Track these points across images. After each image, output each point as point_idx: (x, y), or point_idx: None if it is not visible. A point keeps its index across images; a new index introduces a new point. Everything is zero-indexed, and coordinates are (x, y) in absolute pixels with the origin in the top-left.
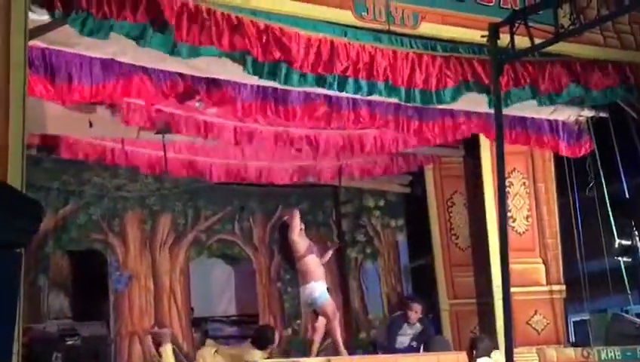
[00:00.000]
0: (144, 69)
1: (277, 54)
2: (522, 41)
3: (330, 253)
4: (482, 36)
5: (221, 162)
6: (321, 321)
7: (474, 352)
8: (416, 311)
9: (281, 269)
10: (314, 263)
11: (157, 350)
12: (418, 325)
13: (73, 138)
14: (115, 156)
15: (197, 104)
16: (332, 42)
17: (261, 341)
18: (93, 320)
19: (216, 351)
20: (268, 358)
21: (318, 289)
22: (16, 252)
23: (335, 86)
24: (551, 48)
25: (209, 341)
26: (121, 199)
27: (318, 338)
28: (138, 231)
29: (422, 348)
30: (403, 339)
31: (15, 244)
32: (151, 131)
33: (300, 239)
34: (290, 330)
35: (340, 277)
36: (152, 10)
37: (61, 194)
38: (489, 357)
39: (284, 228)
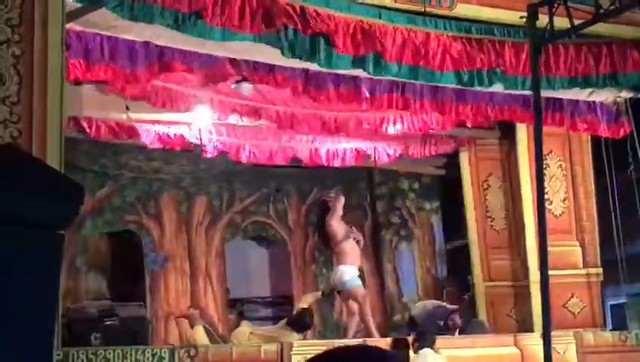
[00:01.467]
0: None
1: (313, 35)
2: (561, 22)
3: (361, 241)
4: (521, 17)
5: (255, 144)
6: (355, 304)
7: (415, 345)
8: (455, 324)
9: (316, 251)
10: (350, 247)
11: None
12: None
13: (110, 120)
14: (150, 138)
15: (233, 85)
16: (367, 24)
17: (299, 325)
18: (131, 301)
19: (251, 333)
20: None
21: (349, 272)
22: (58, 234)
23: (370, 68)
24: (590, 29)
25: (244, 322)
26: (156, 181)
27: (354, 321)
28: (174, 212)
29: (457, 332)
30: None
31: (57, 226)
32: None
33: (338, 224)
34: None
35: (375, 259)
36: None
37: (98, 177)
38: (432, 349)
39: (324, 209)
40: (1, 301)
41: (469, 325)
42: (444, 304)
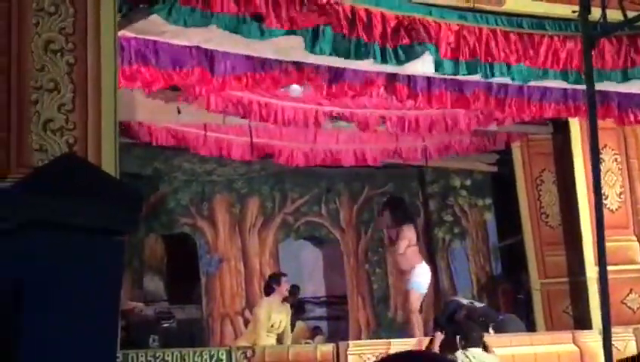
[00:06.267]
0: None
1: (363, 34)
2: (614, 15)
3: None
4: (574, 11)
5: (304, 146)
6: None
7: (462, 344)
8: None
9: (369, 251)
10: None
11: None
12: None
13: (162, 125)
14: (199, 143)
15: (282, 87)
16: (417, 21)
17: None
18: (187, 303)
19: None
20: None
21: (421, 274)
22: (119, 239)
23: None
24: None
25: (298, 322)
26: (209, 183)
27: (415, 317)
28: (227, 214)
29: (491, 328)
30: None
31: (118, 232)
32: (237, 116)
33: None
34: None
35: (429, 257)
36: None
37: (152, 181)
38: (481, 348)
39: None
40: (67, 307)
41: (503, 322)
42: (473, 302)
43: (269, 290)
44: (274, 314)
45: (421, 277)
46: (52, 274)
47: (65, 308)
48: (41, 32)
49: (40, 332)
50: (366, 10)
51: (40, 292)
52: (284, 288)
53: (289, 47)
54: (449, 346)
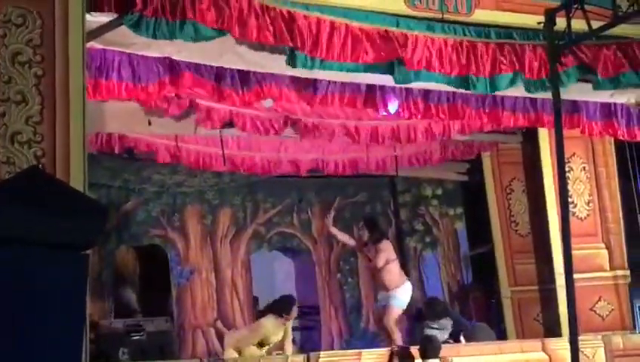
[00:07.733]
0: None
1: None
2: (579, 25)
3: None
4: (539, 22)
5: (276, 156)
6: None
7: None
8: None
9: (341, 261)
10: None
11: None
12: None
13: (132, 136)
14: (170, 153)
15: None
16: (385, 32)
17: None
18: (159, 315)
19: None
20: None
21: (404, 293)
22: (84, 254)
23: (395, 75)
24: (609, 31)
25: None
26: (180, 195)
27: (395, 326)
28: (198, 225)
29: (462, 337)
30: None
31: (81, 247)
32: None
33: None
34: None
35: (401, 266)
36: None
37: (122, 192)
38: (437, 358)
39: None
40: (29, 321)
41: (474, 330)
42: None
43: (276, 313)
44: (272, 336)
45: (405, 296)
46: (15, 287)
47: (28, 321)
48: (8, 44)
49: (3, 345)
50: (332, 23)
51: (2, 306)
52: (292, 316)
53: (260, 59)
54: (405, 357)
